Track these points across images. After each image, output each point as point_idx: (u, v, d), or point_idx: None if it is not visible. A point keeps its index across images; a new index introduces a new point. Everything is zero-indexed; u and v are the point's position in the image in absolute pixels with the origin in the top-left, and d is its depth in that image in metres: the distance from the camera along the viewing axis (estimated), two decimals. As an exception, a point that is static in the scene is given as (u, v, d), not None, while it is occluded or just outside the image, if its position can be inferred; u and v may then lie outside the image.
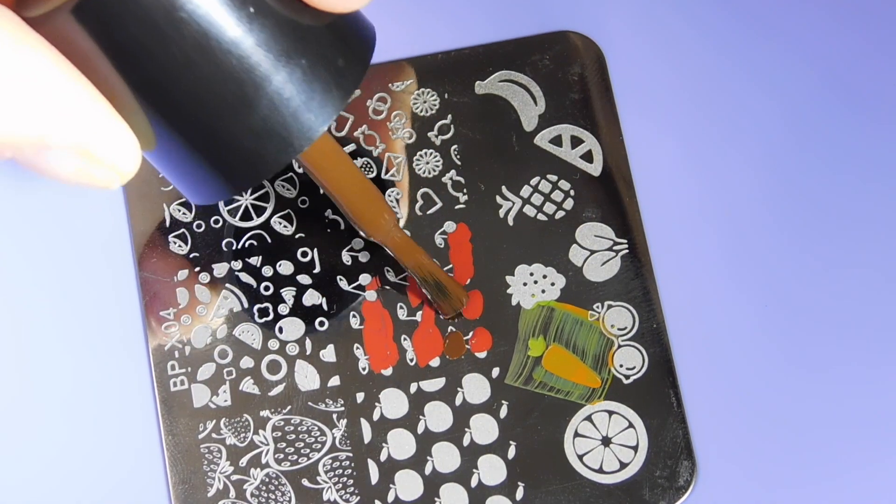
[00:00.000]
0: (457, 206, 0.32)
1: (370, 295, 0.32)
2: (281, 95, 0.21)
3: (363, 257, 0.32)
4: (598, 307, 0.32)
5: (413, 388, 0.31)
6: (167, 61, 0.20)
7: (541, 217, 0.32)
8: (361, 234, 0.30)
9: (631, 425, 0.31)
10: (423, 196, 0.33)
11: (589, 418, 0.31)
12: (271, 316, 0.32)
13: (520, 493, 0.31)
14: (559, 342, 0.32)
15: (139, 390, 0.31)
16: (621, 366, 0.32)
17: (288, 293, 0.32)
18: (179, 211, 0.32)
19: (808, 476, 0.31)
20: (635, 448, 0.31)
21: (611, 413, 0.31)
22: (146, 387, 0.31)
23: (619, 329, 0.32)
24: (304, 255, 0.32)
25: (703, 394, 0.32)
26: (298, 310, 0.32)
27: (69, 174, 0.20)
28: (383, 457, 0.31)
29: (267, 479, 0.31)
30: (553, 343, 0.32)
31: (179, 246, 0.32)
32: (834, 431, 0.32)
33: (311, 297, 0.32)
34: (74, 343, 0.32)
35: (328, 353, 0.32)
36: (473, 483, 0.31)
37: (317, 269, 0.32)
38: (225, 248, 0.32)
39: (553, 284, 0.32)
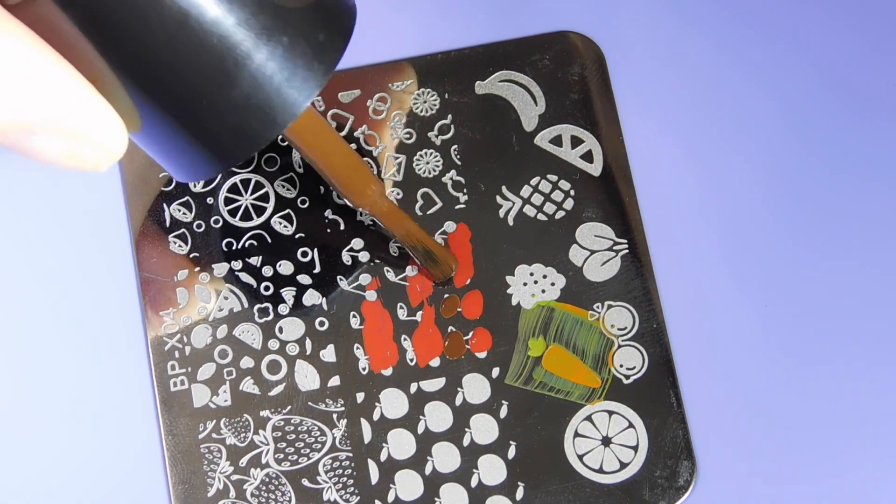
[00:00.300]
0: (457, 206, 0.32)
1: (370, 295, 0.32)
2: (263, 73, 0.21)
3: (363, 257, 0.32)
4: (598, 307, 0.32)
5: (413, 388, 0.31)
6: (148, 42, 0.20)
7: (541, 217, 0.32)
8: (349, 203, 0.30)
9: (631, 425, 0.31)
10: (423, 196, 0.33)
11: (589, 418, 0.31)
12: (271, 316, 0.32)
13: (520, 493, 0.31)
14: (559, 342, 0.32)
15: (139, 390, 0.31)
16: (621, 366, 0.32)
17: (288, 293, 0.32)
18: (179, 211, 0.32)
19: (809, 476, 0.31)
20: (635, 448, 0.31)
21: (611, 413, 0.31)
22: (146, 387, 0.31)
23: (619, 329, 0.32)
24: (304, 255, 0.32)
25: (703, 394, 0.32)
26: (298, 310, 0.32)
27: (56, 156, 0.20)
28: (383, 457, 0.31)
29: (267, 479, 0.31)
30: (553, 343, 0.32)
31: (179, 246, 0.32)
32: (834, 431, 0.32)
33: (311, 297, 0.32)
34: (75, 343, 0.32)
35: (328, 353, 0.32)
36: (473, 483, 0.31)
37: (317, 269, 0.32)
38: (225, 248, 0.32)
39: (553, 284, 0.32)
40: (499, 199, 0.33)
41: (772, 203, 0.33)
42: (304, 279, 0.32)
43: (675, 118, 0.33)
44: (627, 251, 0.32)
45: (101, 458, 0.31)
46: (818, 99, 0.33)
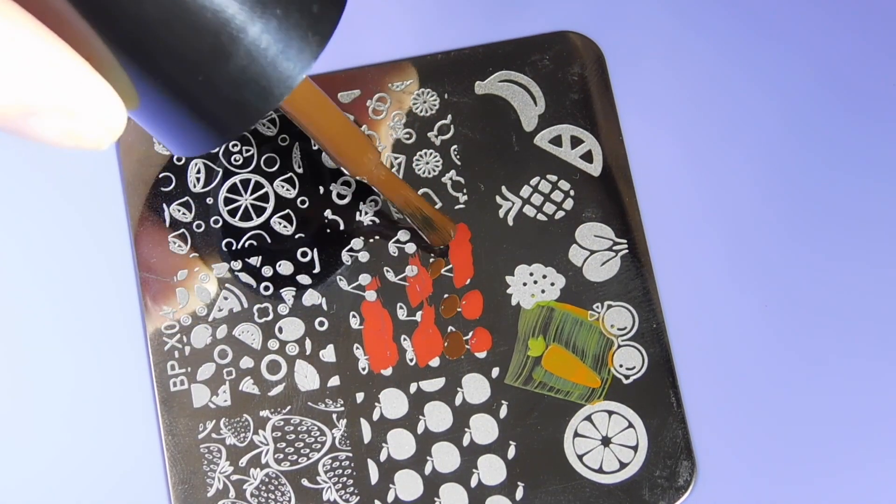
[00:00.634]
0: (457, 206, 0.32)
1: (370, 295, 0.32)
2: (258, 46, 0.21)
3: (363, 257, 0.32)
4: (597, 307, 0.32)
5: (413, 388, 0.31)
6: (143, 18, 0.20)
7: (541, 217, 0.32)
8: (346, 172, 0.30)
9: (631, 425, 0.31)
10: (422, 196, 0.33)
11: (589, 418, 0.31)
12: (271, 316, 0.32)
13: (520, 493, 0.31)
14: (559, 342, 0.32)
15: (139, 390, 0.31)
16: (621, 366, 0.32)
17: (288, 293, 0.32)
18: (179, 211, 0.32)
19: (809, 476, 0.31)
20: (635, 448, 0.31)
21: (611, 413, 0.31)
22: (146, 387, 0.31)
23: (618, 329, 0.32)
24: (304, 255, 0.32)
25: (703, 394, 0.32)
26: (298, 310, 0.32)
27: (56, 136, 0.20)
28: (383, 457, 0.31)
29: (267, 479, 0.31)
30: (553, 343, 0.32)
31: (179, 246, 0.32)
32: (834, 431, 0.32)
33: (311, 297, 0.32)
34: (74, 344, 0.32)
35: (328, 353, 0.32)
36: (473, 483, 0.31)
37: (317, 269, 0.32)
38: (225, 248, 0.32)
39: (553, 284, 0.32)
40: (498, 199, 0.33)
41: (772, 203, 0.33)
42: (304, 279, 0.32)
43: (675, 118, 0.33)
44: (627, 251, 0.32)
45: (101, 457, 0.31)
46: (818, 99, 0.33)
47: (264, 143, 0.33)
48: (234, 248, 0.32)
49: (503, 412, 0.31)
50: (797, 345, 0.32)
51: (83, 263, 0.32)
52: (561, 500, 0.31)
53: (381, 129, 0.33)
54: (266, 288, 0.32)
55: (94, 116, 0.20)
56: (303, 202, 0.32)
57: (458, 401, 0.31)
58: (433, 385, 0.31)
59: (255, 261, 0.32)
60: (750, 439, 0.32)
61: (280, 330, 0.32)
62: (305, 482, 0.31)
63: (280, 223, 0.32)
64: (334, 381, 0.31)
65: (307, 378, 0.31)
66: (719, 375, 0.32)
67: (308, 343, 0.32)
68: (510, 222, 0.32)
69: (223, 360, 0.31)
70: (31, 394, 0.31)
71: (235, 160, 0.33)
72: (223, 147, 0.33)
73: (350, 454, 0.31)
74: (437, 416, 0.31)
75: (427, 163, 0.33)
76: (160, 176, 0.32)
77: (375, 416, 0.31)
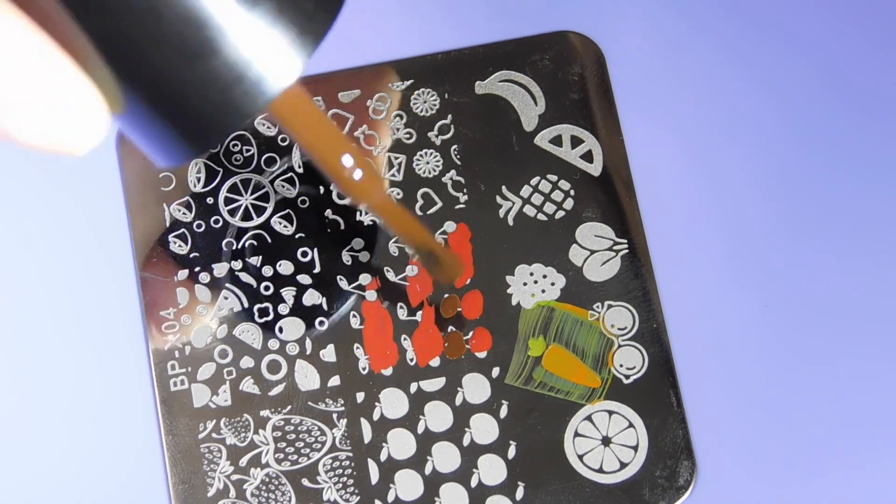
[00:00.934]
0: (457, 206, 0.32)
1: (370, 295, 0.32)
2: (247, 41, 0.21)
3: (363, 257, 0.32)
4: (598, 307, 0.32)
5: (413, 387, 0.31)
6: (128, 14, 0.20)
7: (541, 217, 0.32)
8: (350, 200, 0.30)
9: (631, 425, 0.31)
10: (423, 196, 0.33)
11: (589, 418, 0.31)
12: (271, 316, 0.32)
13: (520, 493, 0.31)
14: (559, 342, 0.32)
15: (139, 390, 0.31)
16: (621, 366, 0.32)
17: (288, 293, 0.32)
18: (179, 211, 0.32)
19: (809, 476, 0.31)
20: (635, 448, 0.31)
21: (611, 413, 0.31)
22: (146, 387, 0.31)
23: (619, 329, 0.32)
24: (304, 255, 0.32)
25: (703, 394, 0.32)
26: (298, 310, 0.32)
27: (33, 137, 0.19)
28: (383, 457, 0.31)
29: (267, 479, 0.31)
30: (553, 343, 0.32)
31: (179, 246, 0.32)
32: (834, 431, 0.32)
33: (311, 297, 0.32)
34: (75, 343, 0.32)
35: (328, 353, 0.32)
36: (473, 483, 0.31)
37: (317, 269, 0.32)
38: (225, 248, 0.32)
39: (553, 284, 0.32)
40: (499, 199, 0.33)
41: (771, 203, 0.33)
42: (304, 279, 0.32)
43: (675, 118, 0.33)
44: (627, 251, 0.32)
45: (101, 457, 0.31)
46: (818, 99, 0.33)
47: (264, 144, 0.33)
48: (234, 247, 0.32)
49: (503, 412, 0.31)
50: (797, 345, 0.32)
51: (83, 263, 0.32)
52: (561, 500, 0.31)
53: (381, 129, 0.33)
54: (266, 288, 0.32)
55: (74, 116, 0.20)
56: (303, 202, 0.32)
57: (458, 401, 0.31)
58: (433, 385, 0.31)
59: (255, 260, 0.32)
60: (750, 439, 0.32)
61: (280, 330, 0.32)
62: (306, 482, 0.31)
63: (280, 223, 0.32)
64: (334, 380, 0.31)
65: (307, 378, 0.31)
66: (719, 375, 0.32)
67: (308, 343, 0.32)
68: (510, 222, 0.32)
69: (223, 360, 0.31)
70: (31, 394, 0.31)
71: (235, 160, 0.33)
72: (223, 147, 0.33)
73: (350, 454, 0.31)
74: (438, 416, 0.31)
75: (427, 163, 0.33)
76: (160, 176, 0.32)
77: (376, 416, 0.31)
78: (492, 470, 0.31)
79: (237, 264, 0.32)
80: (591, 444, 0.31)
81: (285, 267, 0.32)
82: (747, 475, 0.31)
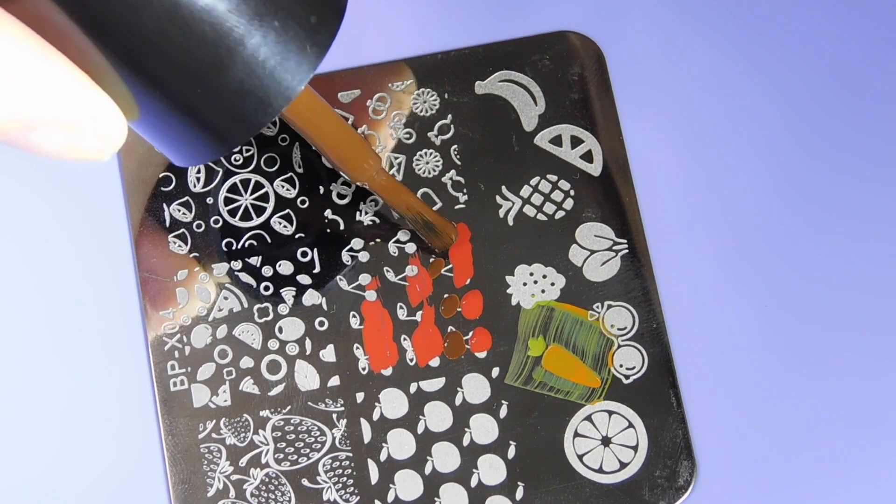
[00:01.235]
0: (457, 206, 0.32)
1: (370, 295, 0.32)
2: (256, 58, 0.21)
3: (363, 257, 0.32)
4: (597, 307, 0.32)
5: (413, 388, 0.31)
6: (140, 31, 0.20)
7: (541, 217, 0.32)
8: (347, 178, 0.30)
9: (631, 425, 0.31)
10: (423, 196, 0.33)
11: (589, 418, 0.31)
12: (271, 316, 0.32)
13: (520, 493, 0.31)
14: (559, 342, 0.32)
15: (139, 390, 0.31)
16: (621, 366, 0.32)
17: (288, 293, 0.32)
18: (179, 211, 0.32)
19: (808, 476, 0.31)
20: (635, 448, 0.31)
21: (611, 413, 0.31)
22: (146, 387, 0.31)
23: (618, 329, 0.32)
24: (304, 255, 0.32)
25: (703, 394, 0.32)
26: (298, 310, 0.32)
27: (57, 150, 0.20)
28: (383, 457, 0.31)
29: (267, 479, 0.31)
30: (553, 343, 0.32)
31: (179, 246, 0.32)
32: (834, 431, 0.32)
33: (311, 297, 0.32)
34: (74, 344, 0.32)
35: (328, 353, 0.32)
36: (473, 483, 0.31)
37: (317, 269, 0.32)
38: (225, 248, 0.32)
39: (553, 284, 0.32)
40: (498, 199, 0.33)
41: (771, 203, 0.33)
42: (304, 279, 0.32)
43: (675, 118, 0.33)
44: (627, 251, 0.32)
45: (100, 458, 0.31)
46: (818, 99, 0.33)
47: (264, 144, 0.33)
48: (234, 247, 0.32)
49: (503, 412, 0.31)
50: (797, 345, 0.32)
51: (83, 263, 0.32)
52: (561, 500, 0.31)
53: (381, 129, 0.33)
54: (266, 288, 0.32)
55: (95, 129, 0.20)
56: (303, 202, 0.32)
57: (458, 401, 0.31)
58: (433, 385, 0.31)
59: (255, 261, 0.32)
60: (750, 439, 0.32)
61: (280, 330, 0.32)
62: (305, 482, 0.31)
63: (280, 223, 0.32)
64: (334, 380, 0.31)
65: (307, 378, 0.31)
66: (719, 375, 0.32)
67: (308, 343, 0.32)
68: (510, 222, 0.32)
69: (223, 360, 0.31)
70: (31, 394, 0.31)
71: (235, 160, 0.33)
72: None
73: (350, 454, 0.31)
74: (438, 416, 0.31)
75: (427, 163, 0.33)
76: (160, 176, 0.32)
77: (375, 416, 0.31)
78: (491, 470, 0.31)
79: (237, 264, 0.32)
80: (590, 445, 0.31)
81: (285, 267, 0.32)
82: (747, 475, 0.31)
